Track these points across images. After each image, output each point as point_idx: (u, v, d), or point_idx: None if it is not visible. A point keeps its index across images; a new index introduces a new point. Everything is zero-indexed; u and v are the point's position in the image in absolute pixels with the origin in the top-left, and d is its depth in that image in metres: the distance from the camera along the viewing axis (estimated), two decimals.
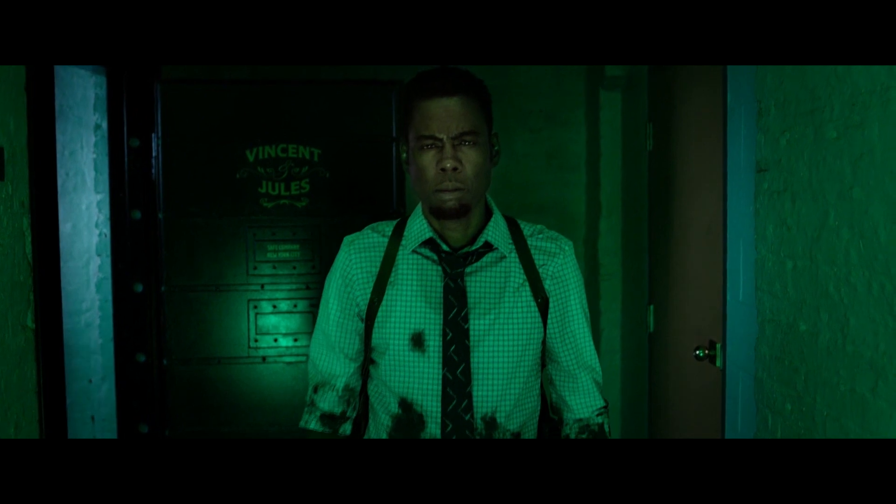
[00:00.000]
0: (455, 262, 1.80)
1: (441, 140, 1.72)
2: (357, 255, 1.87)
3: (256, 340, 3.56)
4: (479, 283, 1.80)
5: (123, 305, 3.58)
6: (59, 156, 3.23)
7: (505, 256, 1.83)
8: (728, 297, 3.00)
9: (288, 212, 3.53)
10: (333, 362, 1.91)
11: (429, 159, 1.73)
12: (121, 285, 3.57)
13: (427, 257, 1.82)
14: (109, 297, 3.64)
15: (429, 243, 1.82)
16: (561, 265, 1.87)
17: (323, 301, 1.92)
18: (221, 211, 3.52)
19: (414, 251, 1.83)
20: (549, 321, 1.85)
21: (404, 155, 1.84)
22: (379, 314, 1.81)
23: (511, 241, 1.85)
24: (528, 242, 1.87)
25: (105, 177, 3.65)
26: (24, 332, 2.46)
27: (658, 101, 3.96)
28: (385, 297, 1.80)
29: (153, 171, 3.53)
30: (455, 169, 1.71)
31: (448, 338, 1.76)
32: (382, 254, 1.84)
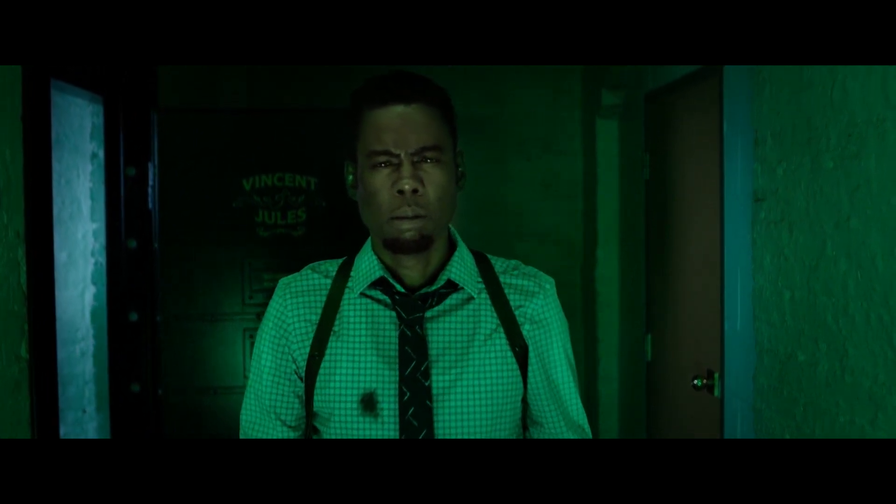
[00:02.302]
0: (412, 305, 1.47)
1: (397, 156, 1.41)
2: (293, 301, 1.53)
3: None
4: (442, 330, 1.48)
5: (118, 335, 3.56)
6: (55, 184, 3.22)
7: (473, 298, 1.51)
8: (726, 327, 2.99)
9: (284, 241, 3.53)
10: (269, 431, 1.55)
11: (382, 180, 1.42)
12: (116, 314, 3.56)
13: (379, 301, 1.50)
14: (104, 326, 3.62)
15: (380, 283, 1.49)
16: (542, 306, 1.53)
17: (255, 357, 1.58)
18: (217, 240, 3.51)
19: (363, 294, 1.50)
20: (529, 374, 1.53)
21: (350, 178, 1.53)
22: (321, 371, 1.47)
23: (480, 280, 1.53)
24: (501, 280, 1.54)
25: (101, 205, 3.64)
26: (18, 362, 2.44)
27: (654, 129, 3.97)
28: (328, 351, 1.48)
29: (149, 199, 3.53)
30: (415, 191, 1.40)
31: (405, 398, 1.44)
32: (325, 298, 1.52)
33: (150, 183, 3.51)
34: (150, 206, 3.52)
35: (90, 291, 3.73)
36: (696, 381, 3.22)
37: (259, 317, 3.52)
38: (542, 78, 4.97)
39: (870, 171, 2.03)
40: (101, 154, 3.60)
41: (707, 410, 3.24)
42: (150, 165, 3.50)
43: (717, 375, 3.12)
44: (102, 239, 3.64)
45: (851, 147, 2.11)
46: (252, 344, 3.50)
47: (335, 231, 3.52)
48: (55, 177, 3.40)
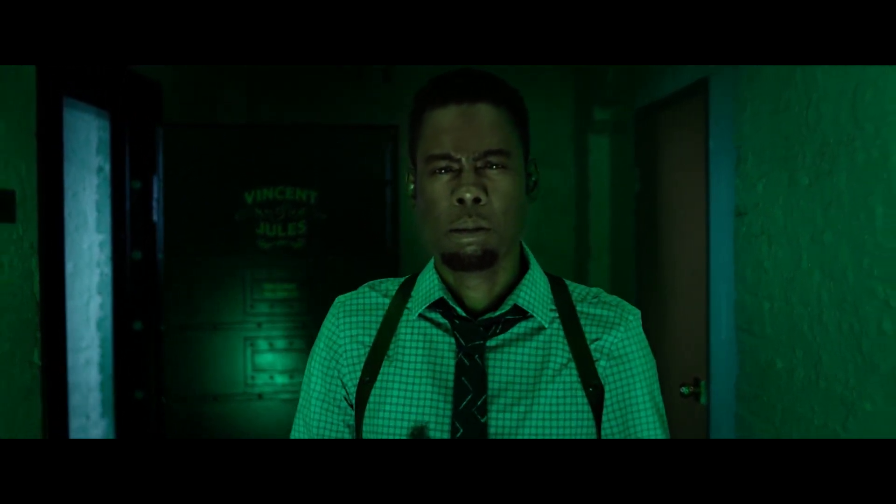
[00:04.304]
0: (472, 331, 1.30)
1: (458, 161, 1.25)
2: (347, 320, 1.38)
3: (253, 378, 3.64)
4: (505, 362, 1.30)
5: (123, 343, 3.66)
6: None
7: (544, 328, 1.32)
8: (711, 337, 3.10)
9: (285, 253, 3.64)
10: None
11: (441, 187, 1.26)
12: (121, 323, 3.66)
13: (438, 324, 1.33)
14: (109, 335, 3.72)
15: (440, 305, 1.33)
16: (622, 340, 1.33)
17: (305, 378, 1.43)
18: (220, 251, 3.63)
19: (421, 316, 1.34)
20: (604, 419, 1.31)
21: (411, 186, 1.37)
22: (371, 399, 1.32)
23: (553, 307, 1.34)
24: (578, 309, 1.35)
25: (106, 217, 3.75)
26: (31, 368, 2.55)
27: (644, 145, 4.09)
28: (380, 376, 1.33)
29: (154, 212, 3.64)
30: (477, 200, 1.24)
31: (458, 435, 1.27)
32: (381, 318, 1.37)
33: (155, 196, 3.63)
34: (155, 218, 3.63)
35: (95, 301, 3.83)
36: (683, 389, 3.32)
37: (259, 326, 3.63)
38: (536, 94, 5.09)
39: (841, 188, 2.15)
40: (107, 168, 3.71)
41: (694, 418, 3.34)
42: (154, 179, 3.62)
43: (703, 384, 3.23)
44: (108, 250, 3.74)
45: (824, 165, 2.24)
46: (253, 352, 3.62)
47: (335, 243, 3.63)
48: None
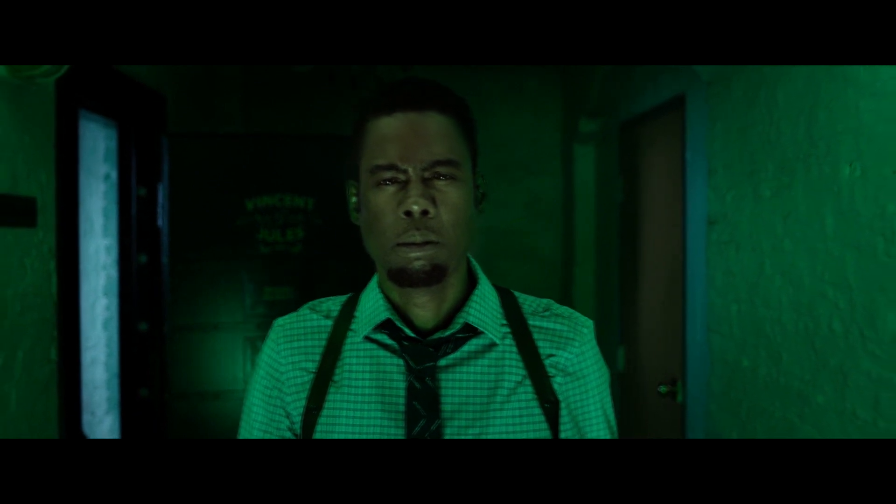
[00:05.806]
0: (422, 353, 1.23)
1: (405, 172, 1.18)
2: (288, 346, 1.30)
3: None
4: (458, 382, 1.24)
5: (129, 343, 3.84)
6: None
7: (496, 344, 1.26)
8: (688, 338, 3.29)
9: (283, 257, 3.82)
10: None
11: (386, 200, 1.19)
12: (127, 324, 3.84)
13: (385, 346, 1.26)
14: (115, 336, 3.89)
15: (387, 326, 1.25)
16: (577, 355, 1.29)
17: (245, 408, 1.34)
18: (222, 255, 3.80)
19: (367, 338, 1.27)
20: (561, 434, 1.28)
21: (353, 199, 1.30)
22: (318, 428, 1.25)
23: (504, 322, 1.29)
24: (529, 323, 1.30)
25: (112, 222, 3.92)
26: (49, 364, 2.72)
27: (628, 155, 4.28)
28: (326, 404, 1.25)
29: (159, 218, 3.82)
30: (425, 213, 1.17)
31: None
32: (324, 342, 1.29)
33: (160, 202, 3.80)
34: (160, 223, 3.81)
35: (101, 303, 4.00)
36: (660, 388, 3.51)
37: (259, 327, 3.81)
38: (524, 103, 5.29)
39: (798, 200, 2.35)
40: (114, 175, 3.89)
41: (672, 416, 3.53)
42: (159, 186, 3.80)
43: (679, 383, 3.42)
44: (114, 253, 3.92)
45: (784, 179, 2.43)
46: (253, 351, 3.79)
47: (331, 248, 3.81)
48: None
